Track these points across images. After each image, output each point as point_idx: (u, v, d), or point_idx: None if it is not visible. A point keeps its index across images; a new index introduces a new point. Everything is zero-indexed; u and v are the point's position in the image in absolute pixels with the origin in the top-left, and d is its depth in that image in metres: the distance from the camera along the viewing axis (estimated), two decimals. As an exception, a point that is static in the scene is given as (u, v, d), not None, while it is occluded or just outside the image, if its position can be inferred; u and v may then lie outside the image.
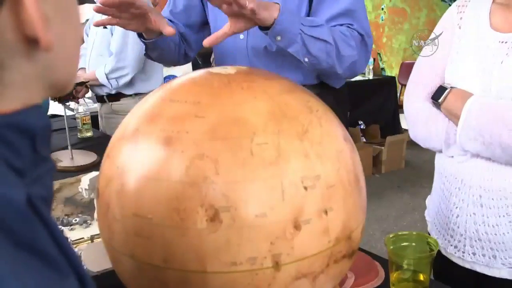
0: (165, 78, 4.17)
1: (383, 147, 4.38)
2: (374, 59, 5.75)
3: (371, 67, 4.84)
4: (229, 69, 0.75)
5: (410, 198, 3.88)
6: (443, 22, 1.20)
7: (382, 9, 5.91)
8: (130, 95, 2.53)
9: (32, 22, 0.36)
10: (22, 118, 0.37)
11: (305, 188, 0.63)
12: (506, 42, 1.05)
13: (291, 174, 0.63)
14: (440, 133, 1.11)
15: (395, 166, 4.48)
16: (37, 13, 0.36)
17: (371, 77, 4.83)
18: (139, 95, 2.52)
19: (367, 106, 4.67)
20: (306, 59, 1.23)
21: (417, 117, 1.16)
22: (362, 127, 4.66)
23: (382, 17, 5.92)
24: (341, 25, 1.29)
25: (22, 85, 0.38)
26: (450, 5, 1.22)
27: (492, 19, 1.10)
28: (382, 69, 5.89)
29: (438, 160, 1.21)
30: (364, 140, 4.61)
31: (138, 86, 2.53)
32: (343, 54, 1.25)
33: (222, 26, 1.17)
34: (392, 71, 5.88)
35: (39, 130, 0.39)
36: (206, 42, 1.16)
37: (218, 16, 1.41)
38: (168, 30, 1.23)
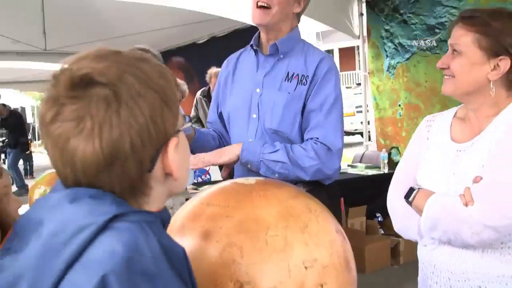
0: (194, 171, 4.54)
1: (400, 238, 4.49)
2: (389, 153, 5.97)
3: (386, 161, 5.07)
4: (250, 180, 1.02)
5: (429, 289, 3.93)
6: (415, 134, 1.46)
7: (399, 105, 6.20)
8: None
9: (171, 165, 0.68)
10: (161, 214, 0.70)
11: (306, 268, 0.87)
12: (461, 151, 1.28)
13: (295, 257, 0.87)
14: (414, 226, 1.32)
15: (413, 257, 4.53)
16: (174, 159, 0.68)
17: (386, 171, 5.04)
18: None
19: (384, 199, 4.80)
20: (276, 175, 1.62)
21: (397, 213, 1.38)
22: (379, 219, 4.80)
23: (400, 112, 6.20)
24: (311, 138, 1.65)
25: (158, 197, 0.70)
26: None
27: (452, 131, 1.35)
28: (398, 162, 6.08)
29: (418, 249, 1.41)
30: (382, 232, 4.74)
31: None
32: (304, 166, 1.61)
33: (235, 137, 1.76)
34: (411, 164, 6.06)
35: (166, 221, 0.72)
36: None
37: (232, 130, 1.82)
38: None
